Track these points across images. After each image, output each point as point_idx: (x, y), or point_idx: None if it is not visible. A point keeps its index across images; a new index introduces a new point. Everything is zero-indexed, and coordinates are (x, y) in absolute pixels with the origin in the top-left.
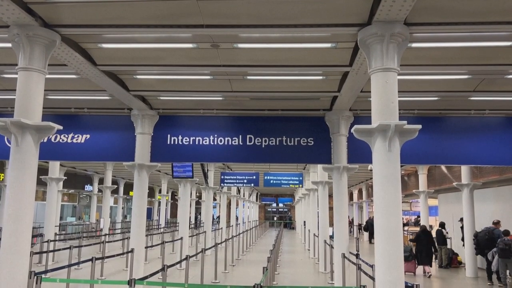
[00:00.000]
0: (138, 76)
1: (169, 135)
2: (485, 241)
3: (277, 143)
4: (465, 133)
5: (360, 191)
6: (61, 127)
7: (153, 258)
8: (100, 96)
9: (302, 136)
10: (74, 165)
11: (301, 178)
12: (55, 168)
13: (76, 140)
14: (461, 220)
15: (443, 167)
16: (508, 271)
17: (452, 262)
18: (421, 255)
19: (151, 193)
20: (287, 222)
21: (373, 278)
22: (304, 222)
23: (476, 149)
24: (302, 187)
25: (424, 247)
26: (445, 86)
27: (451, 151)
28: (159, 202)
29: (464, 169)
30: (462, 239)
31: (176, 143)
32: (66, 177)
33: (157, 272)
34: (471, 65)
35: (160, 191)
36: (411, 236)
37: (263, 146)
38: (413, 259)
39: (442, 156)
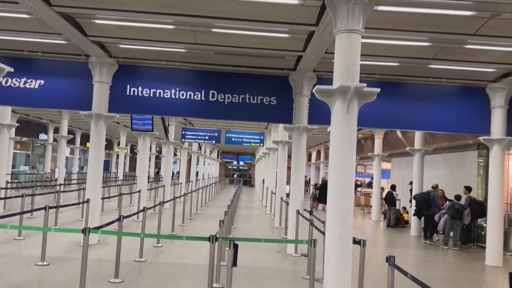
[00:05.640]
0: (97, 21)
1: (128, 86)
2: (422, 202)
3: (240, 100)
4: (421, 100)
5: (318, 153)
6: (11, 69)
7: (110, 209)
8: (55, 40)
9: (265, 95)
10: (28, 111)
11: (262, 137)
12: (7, 114)
13: (29, 85)
14: (411, 183)
15: (398, 132)
16: (452, 233)
17: (399, 222)
18: (320, 198)
19: (110, 146)
20: (246, 179)
21: (324, 233)
22: (263, 180)
23: (430, 115)
24: (263, 146)
25: (324, 193)
26: (406, 52)
27: (407, 116)
28: (117, 155)
29: (418, 135)
30: (410, 201)
31: (135, 94)
32: (18, 124)
33: (112, 222)
34: (432, 32)
35: (118, 144)
36: (362, 196)
37: (225, 102)
38: (316, 200)
39: (398, 121)
